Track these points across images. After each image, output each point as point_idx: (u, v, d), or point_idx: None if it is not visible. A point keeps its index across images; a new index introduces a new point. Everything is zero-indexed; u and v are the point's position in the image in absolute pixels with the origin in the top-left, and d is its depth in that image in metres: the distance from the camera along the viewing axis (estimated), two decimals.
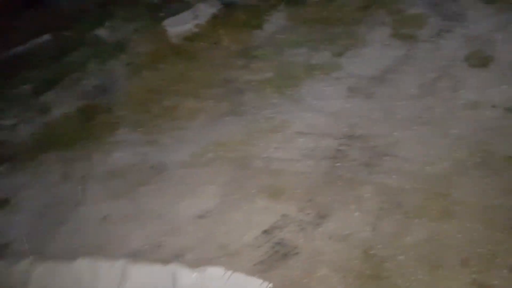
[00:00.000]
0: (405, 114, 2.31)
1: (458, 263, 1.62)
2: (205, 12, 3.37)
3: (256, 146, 2.22)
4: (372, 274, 1.62)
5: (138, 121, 2.47)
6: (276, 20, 3.22)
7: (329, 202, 1.90)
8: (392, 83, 2.54)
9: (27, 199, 2.15)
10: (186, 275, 1.67)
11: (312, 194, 1.94)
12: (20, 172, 2.30)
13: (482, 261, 1.62)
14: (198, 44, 3.08)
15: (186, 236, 1.85)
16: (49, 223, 1.99)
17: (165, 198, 2.02)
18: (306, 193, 1.95)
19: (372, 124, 2.26)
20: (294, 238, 1.78)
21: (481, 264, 1.61)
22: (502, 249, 1.65)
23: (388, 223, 1.78)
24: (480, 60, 2.62)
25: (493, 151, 2.04)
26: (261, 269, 1.69)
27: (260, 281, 1.62)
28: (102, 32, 3.34)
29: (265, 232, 1.81)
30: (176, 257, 1.77)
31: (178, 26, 3.25)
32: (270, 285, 1.61)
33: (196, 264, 1.73)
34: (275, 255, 1.73)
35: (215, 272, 1.67)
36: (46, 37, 3.36)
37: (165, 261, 1.75)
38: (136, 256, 1.79)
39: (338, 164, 2.06)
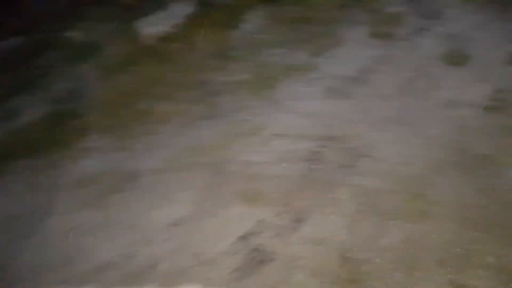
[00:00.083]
0: (382, 114, 2.31)
1: (434, 264, 1.63)
2: (180, 12, 3.32)
3: (232, 149, 2.18)
4: (349, 278, 1.62)
5: (109, 126, 2.38)
6: (253, 20, 3.19)
7: (306, 205, 1.88)
8: (369, 83, 2.53)
9: None
10: None
11: (289, 198, 1.91)
12: None
13: (458, 261, 1.64)
14: (173, 45, 3.01)
15: (159, 246, 1.79)
16: (15, 236, 1.90)
17: (137, 206, 1.95)
18: (283, 197, 1.92)
19: (349, 125, 2.25)
20: (270, 243, 1.75)
21: (457, 264, 1.63)
22: (477, 249, 1.67)
23: (364, 226, 1.78)
24: (457, 58, 2.64)
25: (469, 150, 2.06)
26: (237, 276, 1.65)
27: None
28: (73, 34, 3.22)
29: (241, 238, 1.77)
30: (149, 268, 1.71)
31: (152, 27, 3.17)
32: None
33: (169, 275, 1.68)
34: (251, 262, 1.69)
35: None
36: (15, 39, 3.23)
37: (137, 273, 1.69)
38: (106, 268, 1.71)
39: (315, 166, 2.04)
